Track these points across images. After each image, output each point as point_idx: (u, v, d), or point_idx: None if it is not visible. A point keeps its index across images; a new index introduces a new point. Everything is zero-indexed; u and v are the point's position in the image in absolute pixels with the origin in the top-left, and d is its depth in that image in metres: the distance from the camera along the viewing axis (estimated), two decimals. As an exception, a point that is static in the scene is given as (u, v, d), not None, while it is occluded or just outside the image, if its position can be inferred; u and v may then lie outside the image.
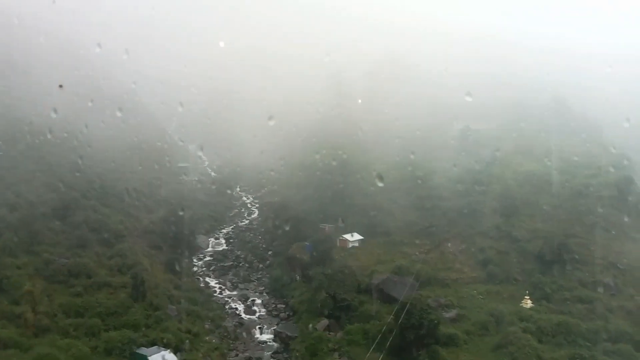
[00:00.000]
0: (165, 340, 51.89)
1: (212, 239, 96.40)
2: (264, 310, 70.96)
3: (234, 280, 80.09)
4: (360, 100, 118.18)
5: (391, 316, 54.95)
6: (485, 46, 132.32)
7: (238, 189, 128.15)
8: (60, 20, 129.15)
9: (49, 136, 71.58)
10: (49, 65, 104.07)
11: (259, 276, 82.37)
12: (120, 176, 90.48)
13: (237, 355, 59.15)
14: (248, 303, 72.70)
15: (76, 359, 45.47)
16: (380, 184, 75.49)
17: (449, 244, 73.42)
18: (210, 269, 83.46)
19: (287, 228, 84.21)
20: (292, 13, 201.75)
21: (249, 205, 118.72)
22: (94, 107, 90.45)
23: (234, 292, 76.14)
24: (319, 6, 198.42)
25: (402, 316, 52.17)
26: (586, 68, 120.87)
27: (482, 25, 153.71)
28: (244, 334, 64.50)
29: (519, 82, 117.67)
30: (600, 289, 61.63)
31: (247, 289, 77.63)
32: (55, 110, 52.31)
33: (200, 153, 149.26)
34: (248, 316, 69.15)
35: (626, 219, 72.71)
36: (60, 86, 63.85)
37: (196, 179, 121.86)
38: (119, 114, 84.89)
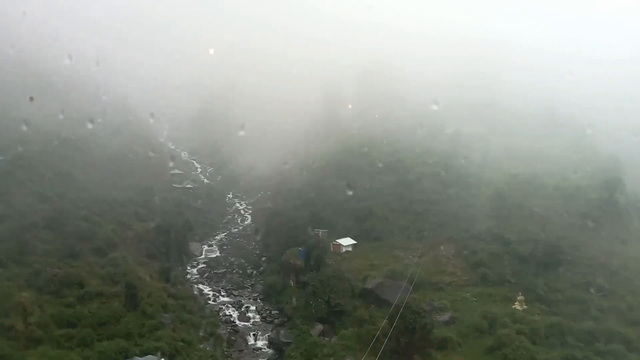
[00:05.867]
0: (159, 350, 51.56)
1: (206, 246, 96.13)
2: (258, 316, 70.76)
3: (227, 287, 79.85)
4: (350, 106, 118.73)
5: (385, 320, 55.06)
6: (475, 48, 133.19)
7: (231, 196, 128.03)
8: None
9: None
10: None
11: (253, 282, 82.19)
12: (112, 184, 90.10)
13: (231, 362, 58.91)
14: (242, 310, 72.46)
15: (69, 370, 45.08)
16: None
17: (442, 248, 73.72)
18: (204, 276, 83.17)
19: (280, 234, 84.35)
20: (283, 14, 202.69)
21: (242, 211, 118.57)
22: (86, 114, 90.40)
23: (228, 299, 75.90)
24: (310, 9, 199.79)
25: (396, 320, 52.29)
26: (576, 71, 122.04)
27: (472, 27, 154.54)
28: (239, 341, 64.28)
29: (509, 85, 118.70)
30: (592, 290, 62.23)
31: (241, 296, 77.40)
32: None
33: (192, 160, 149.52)
34: (242, 323, 68.91)
35: (616, 220, 73.58)
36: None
37: (189, 186, 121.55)
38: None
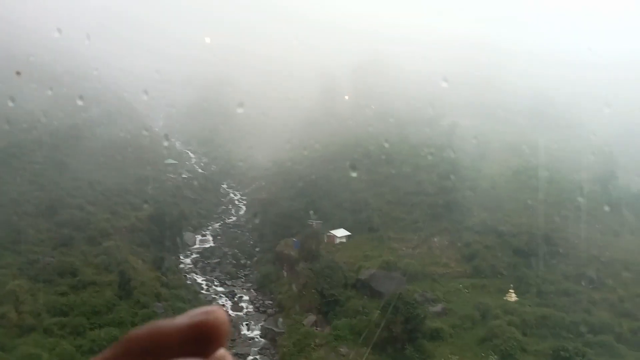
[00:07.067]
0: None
1: (199, 236, 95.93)
2: (251, 306, 70.94)
3: (221, 277, 79.91)
4: (347, 97, 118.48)
5: (378, 311, 55.32)
6: (470, 51, 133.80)
7: (225, 186, 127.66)
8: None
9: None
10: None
11: (247, 273, 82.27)
12: (106, 173, 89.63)
13: (224, 352, 59.04)
14: (235, 299, 72.63)
15: (61, 358, 45.12)
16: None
17: (436, 239, 73.90)
18: (197, 266, 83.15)
19: (275, 224, 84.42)
20: (279, 13, 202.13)
21: (236, 202, 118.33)
22: (82, 103, 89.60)
23: (221, 289, 76.01)
24: (306, 8, 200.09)
25: (389, 311, 52.54)
26: (571, 73, 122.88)
27: (468, 31, 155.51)
28: (232, 330, 64.50)
29: (504, 84, 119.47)
30: (584, 282, 62.66)
31: (235, 286, 77.50)
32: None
33: (187, 150, 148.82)
34: (235, 313, 69.04)
35: (608, 213, 73.95)
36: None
37: (183, 175, 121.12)
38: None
